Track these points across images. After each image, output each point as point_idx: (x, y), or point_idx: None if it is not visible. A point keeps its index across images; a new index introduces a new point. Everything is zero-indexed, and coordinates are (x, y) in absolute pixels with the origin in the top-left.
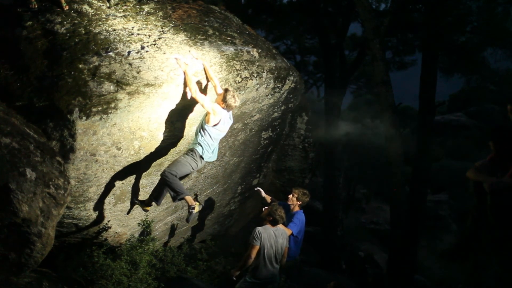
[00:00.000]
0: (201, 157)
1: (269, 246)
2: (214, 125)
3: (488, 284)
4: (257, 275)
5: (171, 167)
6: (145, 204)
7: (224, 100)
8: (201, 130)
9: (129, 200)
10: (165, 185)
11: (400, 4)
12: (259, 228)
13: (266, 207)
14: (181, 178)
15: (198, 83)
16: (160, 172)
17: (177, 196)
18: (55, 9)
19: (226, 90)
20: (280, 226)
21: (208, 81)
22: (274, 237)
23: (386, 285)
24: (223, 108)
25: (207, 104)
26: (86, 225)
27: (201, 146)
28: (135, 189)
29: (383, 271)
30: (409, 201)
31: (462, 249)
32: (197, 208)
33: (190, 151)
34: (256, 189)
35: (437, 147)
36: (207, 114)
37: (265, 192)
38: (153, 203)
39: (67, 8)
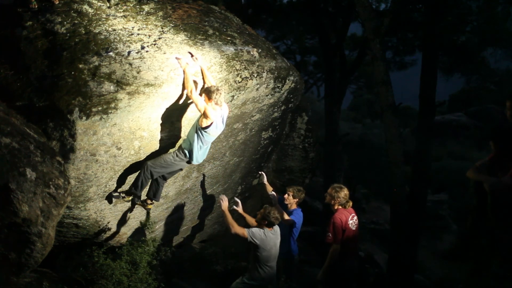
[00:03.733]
0: (188, 158)
1: (268, 249)
2: (205, 128)
3: (488, 284)
4: (255, 277)
5: (156, 163)
6: (146, 203)
7: (209, 97)
8: (194, 131)
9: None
10: (138, 174)
11: (400, 4)
12: (255, 229)
13: (259, 211)
14: (170, 174)
15: (196, 83)
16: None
17: (133, 191)
18: (55, 8)
19: (205, 89)
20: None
21: (205, 82)
22: (272, 238)
23: (386, 285)
24: (213, 108)
25: (201, 105)
26: (86, 225)
27: (189, 146)
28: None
29: (383, 271)
30: (409, 201)
31: (462, 249)
32: (127, 199)
33: (181, 151)
34: (260, 173)
35: (437, 147)
36: (201, 115)
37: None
38: (153, 201)
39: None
